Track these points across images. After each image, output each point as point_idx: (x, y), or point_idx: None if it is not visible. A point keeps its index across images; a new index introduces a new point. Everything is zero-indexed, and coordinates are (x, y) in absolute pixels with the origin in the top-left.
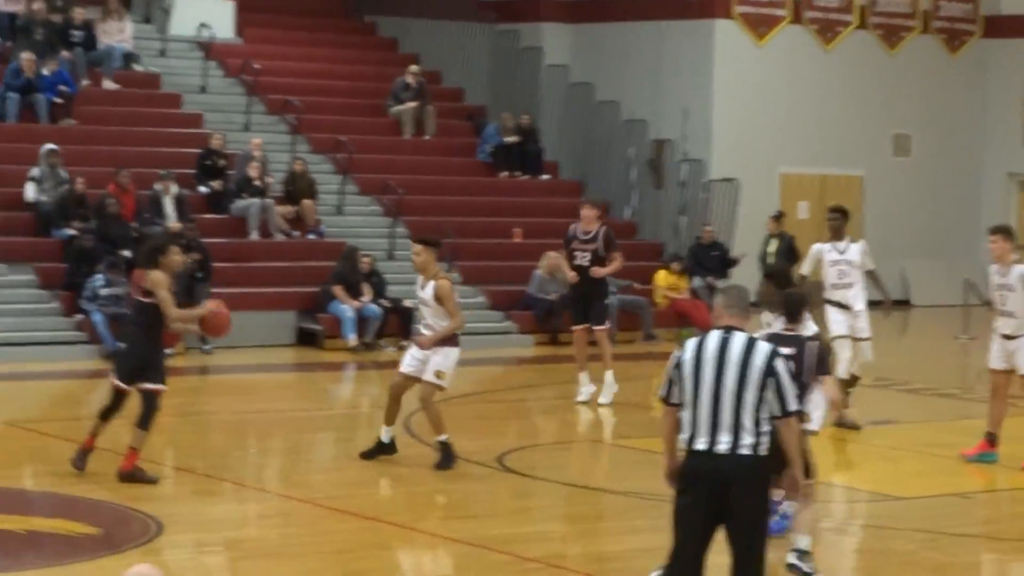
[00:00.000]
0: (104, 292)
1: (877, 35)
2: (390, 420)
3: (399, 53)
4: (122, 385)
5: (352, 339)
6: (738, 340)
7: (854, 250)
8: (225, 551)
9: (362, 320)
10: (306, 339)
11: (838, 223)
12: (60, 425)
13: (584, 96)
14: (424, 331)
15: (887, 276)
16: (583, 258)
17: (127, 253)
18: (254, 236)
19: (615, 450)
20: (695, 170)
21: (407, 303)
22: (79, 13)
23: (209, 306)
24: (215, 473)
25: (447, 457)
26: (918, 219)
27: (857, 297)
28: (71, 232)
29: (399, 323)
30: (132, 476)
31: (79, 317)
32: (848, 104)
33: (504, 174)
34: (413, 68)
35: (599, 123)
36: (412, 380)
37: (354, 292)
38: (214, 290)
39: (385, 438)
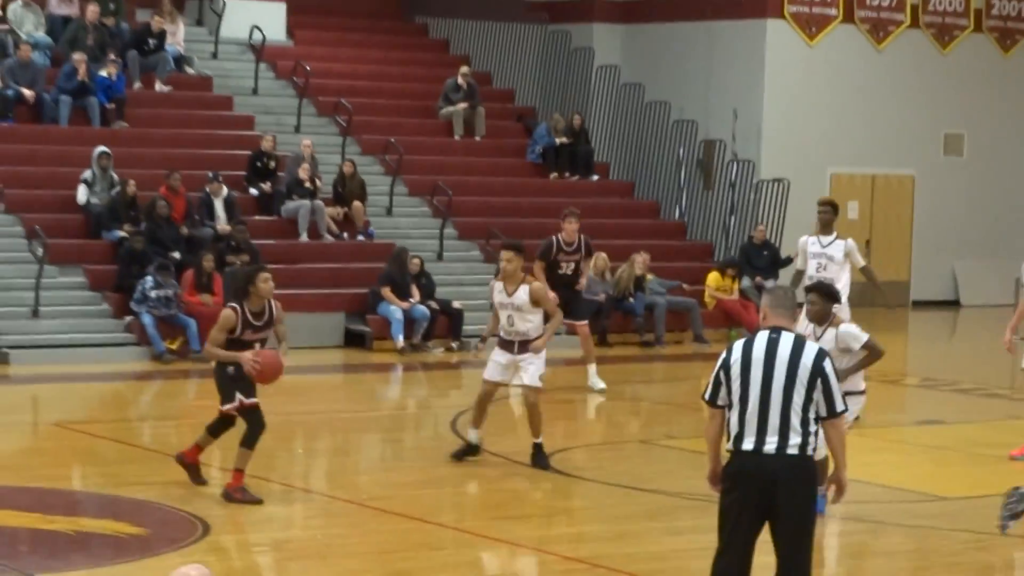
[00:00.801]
0: (154, 294)
1: (929, 34)
2: (478, 423)
3: (450, 54)
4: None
5: (400, 341)
6: (786, 340)
7: (838, 246)
8: (271, 552)
9: (410, 321)
10: (354, 341)
11: (828, 216)
12: (109, 427)
13: (634, 96)
14: (506, 336)
15: (937, 276)
16: (567, 267)
17: (177, 255)
18: (304, 238)
19: (662, 451)
20: (745, 170)
21: (456, 304)
22: (141, 19)
23: (251, 358)
24: (262, 474)
25: (541, 457)
26: (968, 219)
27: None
28: (122, 234)
29: (448, 325)
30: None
31: (129, 319)
32: (899, 104)
33: (554, 175)
34: (464, 69)
35: (649, 124)
36: (500, 386)
37: (402, 294)
38: None
39: (473, 438)
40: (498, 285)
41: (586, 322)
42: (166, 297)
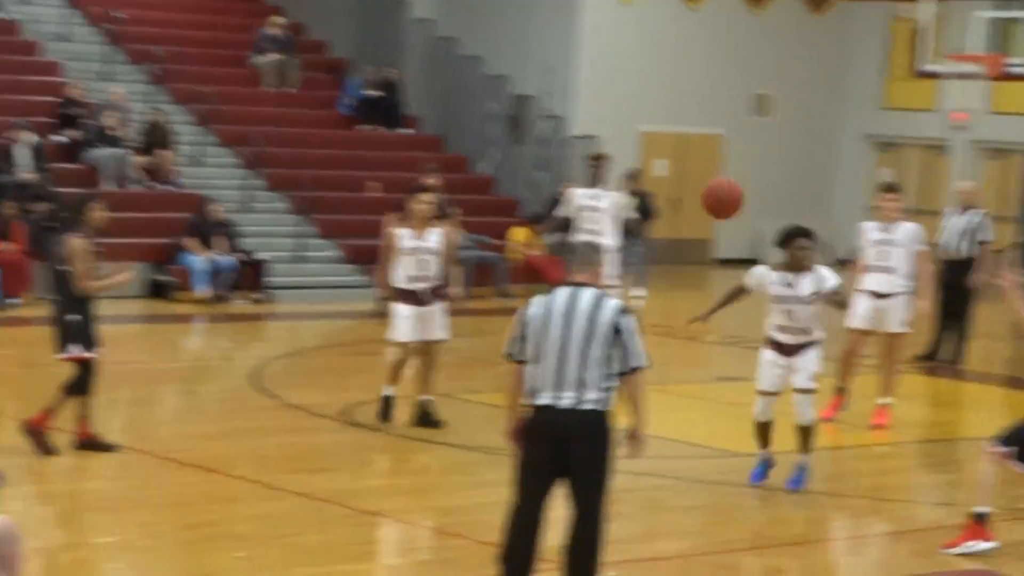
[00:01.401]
0: None
1: None
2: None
3: (263, 4)
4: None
5: (204, 291)
6: (586, 295)
7: (607, 198)
8: (65, 502)
9: (216, 272)
10: (159, 291)
11: (598, 168)
12: None
13: (448, 50)
14: (421, 284)
15: (743, 234)
16: None
17: None
18: (109, 186)
19: (463, 405)
20: (556, 127)
21: (261, 255)
22: None
23: (124, 275)
24: (59, 425)
25: (387, 410)
26: (776, 179)
27: (607, 245)
28: None
29: (253, 275)
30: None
31: None
32: (710, 63)
33: (365, 128)
34: (277, 19)
35: (462, 78)
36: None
37: (207, 243)
38: None
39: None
40: (402, 232)
41: None
42: None
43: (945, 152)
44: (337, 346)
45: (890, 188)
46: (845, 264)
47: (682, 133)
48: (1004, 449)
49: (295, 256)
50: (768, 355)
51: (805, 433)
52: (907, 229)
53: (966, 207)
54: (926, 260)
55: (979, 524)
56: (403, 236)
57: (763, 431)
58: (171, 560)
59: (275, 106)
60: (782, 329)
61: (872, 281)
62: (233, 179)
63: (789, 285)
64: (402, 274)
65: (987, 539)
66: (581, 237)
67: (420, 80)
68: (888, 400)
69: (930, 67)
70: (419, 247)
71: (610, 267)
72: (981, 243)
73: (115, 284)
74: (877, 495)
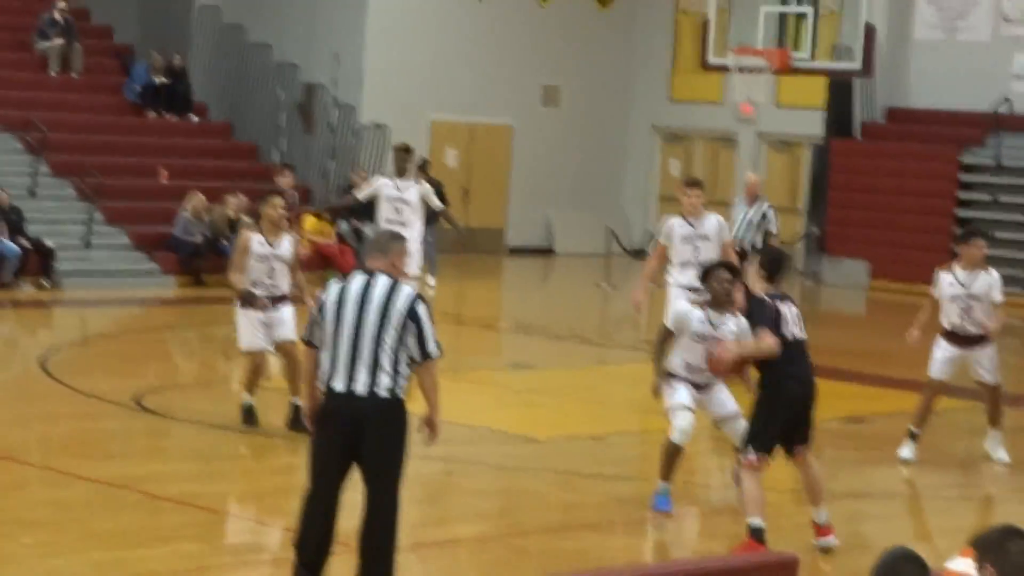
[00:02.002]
0: None
1: None
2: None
3: None
4: None
5: None
6: (381, 283)
7: (413, 191)
8: None
9: (0, 259)
10: None
11: (402, 161)
12: None
13: (235, 38)
14: (259, 291)
15: (532, 223)
16: None
17: None
18: None
19: (260, 391)
20: (345, 115)
21: (48, 243)
22: None
23: None
24: None
25: (250, 417)
26: (565, 169)
27: (412, 237)
28: None
29: (39, 262)
30: None
31: None
32: (500, 54)
33: (152, 114)
34: (60, 4)
35: (250, 66)
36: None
37: None
38: None
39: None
40: (254, 237)
41: None
42: None
43: (732, 144)
44: (126, 333)
45: (694, 183)
46: (639, 255)
47: (472, 123)
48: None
49: (82, 243)
50: (682, 391)
51: None
52: (713, 222)
53: (752, 199)
54: (731, 250)
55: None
56: (254, 241)
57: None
58: None
59: (59, 91)
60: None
61: (688, 278)
62: (17, 165)
63: (711, 324)
64: (250, 279)
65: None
66: (385, 227)
67: (207, 67)
68: None
69: (716, 60)
70: (270, 254)
71: (415, 259)
72: (767, 234)
73: None
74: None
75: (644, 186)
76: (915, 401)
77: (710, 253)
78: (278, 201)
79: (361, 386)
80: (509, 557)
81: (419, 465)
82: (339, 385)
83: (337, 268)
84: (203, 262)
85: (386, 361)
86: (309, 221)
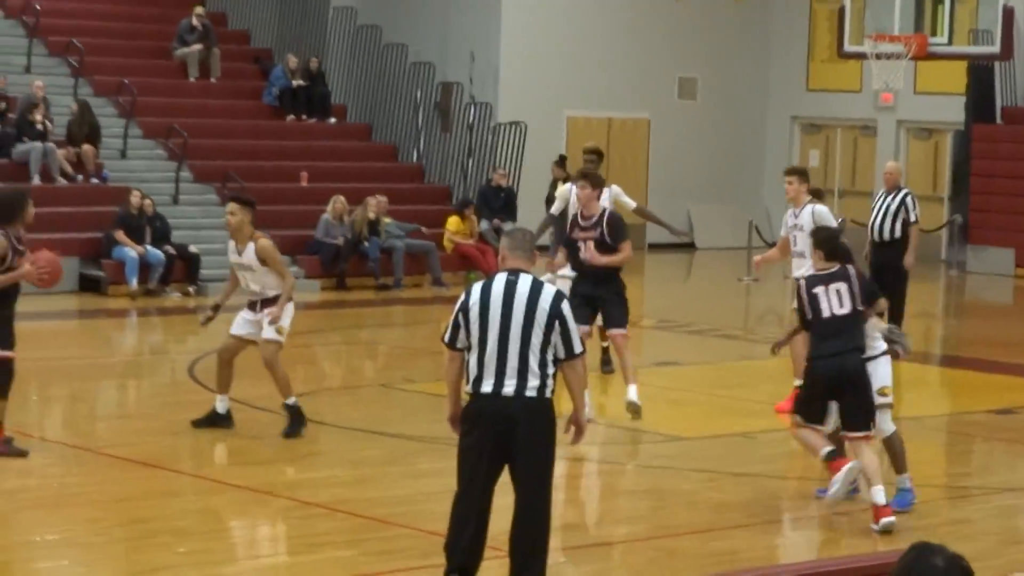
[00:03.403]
0: None
1: None
2: (224, 387)
3: None
4: None
5: (134, 284)
6: (524, 282)
7: (604, 194)
8: (5, 501)
9: (146, 266)
10: (89, 285)
11: (592, 164)
12: None
13: (372, 39)
14: (252, 297)
15: (672, 218)
16: (584, 248)
17: None
18: (36, 180)
19: (401, 395)
20: (482, 113)
21: (192, 248)
22: None
23: (34, 268)
24: None
25: (296, 422)
26: (703, 162)
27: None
28: None
29: (185, 269)
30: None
31: None
32: (635, 48)
33: (291, 117)
34: (198, 10)
35: (387, 66)
36: (246, 342)
37: (138, 237)
38: None
39: (221, 408)
40: (230, 243)
41: (625, 331)
42: None
43: (872, 132)
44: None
45: (790, 171)
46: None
47: (608, 118)
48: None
49: (225, 248)
50: None
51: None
52: (807, 212)
53: (892, 187)
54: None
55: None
56: (229, 249)
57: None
58: (115, 556)
59: (199, 97)
60: None
61: (794, 266)
62: (159, 171)
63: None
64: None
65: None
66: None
67: (344, 69)
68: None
69: (853, 48)
70: (235, 261)
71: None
72: (907, 224)
73: (18, 277)
74: (814, 476)
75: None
76: None
77: (805, 244)
78: (232, 207)
79: (510, 388)
80: (659, 558)
81: (567, 466)
82: (487, 387)
83: (479, 268)
84: (345, 265)
85: (534, 361)
86: (452, 220)
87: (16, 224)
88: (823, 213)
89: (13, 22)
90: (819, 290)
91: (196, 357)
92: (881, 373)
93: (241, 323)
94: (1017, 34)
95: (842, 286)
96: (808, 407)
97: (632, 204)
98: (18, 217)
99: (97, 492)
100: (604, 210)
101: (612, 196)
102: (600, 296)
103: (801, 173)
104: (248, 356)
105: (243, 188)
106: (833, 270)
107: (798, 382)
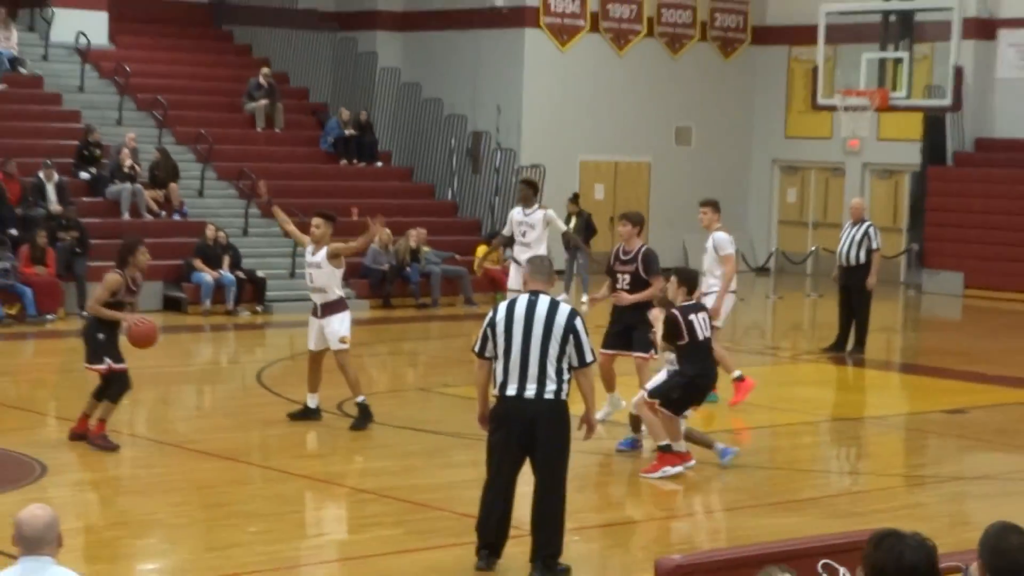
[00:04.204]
0: None
1: (663, 42)
2: (314, 387)
3: (253, 57)
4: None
5: (208, 304)
6: (543, 302)
7: (537, 216)
8: (102, 489)
9: (220, 288)
10: (172, 305)
11: (525, 192)
12: None
13: (412, 94)
14: (314, 296)
15: (670, 248)
16: (623, 280)
17: (14, 232)
18: (125, 216)
19: (439, 397)
20: (507, 158)
21: (260, 273)
22: None
23: (130, 320)
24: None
25: (363, 417)
26: (696, 199)
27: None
28: None
29: (253, 291)
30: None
31: None
32: (638, 101)
33: (344, 162)
34: (265, 70)
35: (425, 118)
36: (324, 351)
37: (213, 264)
38: (91, 264)
39: (312, 403)
40: (308, 248)
41: (646, 355)
42: (4, 269)
43: (841, 174)
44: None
45: (706, 203)
46: (762, 271)
47: (615, 161)
48: (655, 400)
49: (287, 273)
50: None
51: None
52: (711, 238)
53: (857, 220)
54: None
55: (666, 453)
56: (308, 252)
57: None
58: (195, 535)
59: (265, 144)
60: None
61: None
62: (231, 208)
63: None
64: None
65: (675, 464)
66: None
67: (388, 120)
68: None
69: (825, 101)
70: (308, 260)
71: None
72: (870, 251)
73: (119, 318)
74: (793, 466)
75: (766, 212)
76: (1008, 394)
77: (712, 263)
78: (318, 220)
79: (531, 391)
80: (661, 536)
81: (580, 458)
82: (512, 391)
83: (504, 290)
84: (390, 287)
85: (551, 368)
86: (481, 250)
87: (130, 267)
88: (721, 240)
89: (107, 81)
90: (692, 318)
91: (263, 366)
92: None
93: (313, 338)
94: (966, 89)
95: (704, 316)
96: (679, 407)
97: (563, 227)
98: (130, 261)
99: (179, 480)
100: (642, 247)
101: (546, 219)
102: (632, 324)
103: (714, 204)
104: (303, 366)
105: (302, 223)
106: (694, 302)
107: (737, 374)
